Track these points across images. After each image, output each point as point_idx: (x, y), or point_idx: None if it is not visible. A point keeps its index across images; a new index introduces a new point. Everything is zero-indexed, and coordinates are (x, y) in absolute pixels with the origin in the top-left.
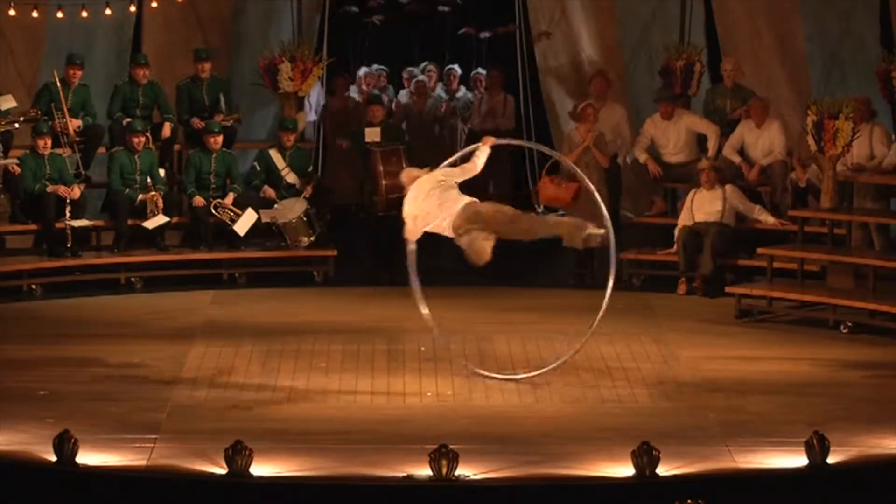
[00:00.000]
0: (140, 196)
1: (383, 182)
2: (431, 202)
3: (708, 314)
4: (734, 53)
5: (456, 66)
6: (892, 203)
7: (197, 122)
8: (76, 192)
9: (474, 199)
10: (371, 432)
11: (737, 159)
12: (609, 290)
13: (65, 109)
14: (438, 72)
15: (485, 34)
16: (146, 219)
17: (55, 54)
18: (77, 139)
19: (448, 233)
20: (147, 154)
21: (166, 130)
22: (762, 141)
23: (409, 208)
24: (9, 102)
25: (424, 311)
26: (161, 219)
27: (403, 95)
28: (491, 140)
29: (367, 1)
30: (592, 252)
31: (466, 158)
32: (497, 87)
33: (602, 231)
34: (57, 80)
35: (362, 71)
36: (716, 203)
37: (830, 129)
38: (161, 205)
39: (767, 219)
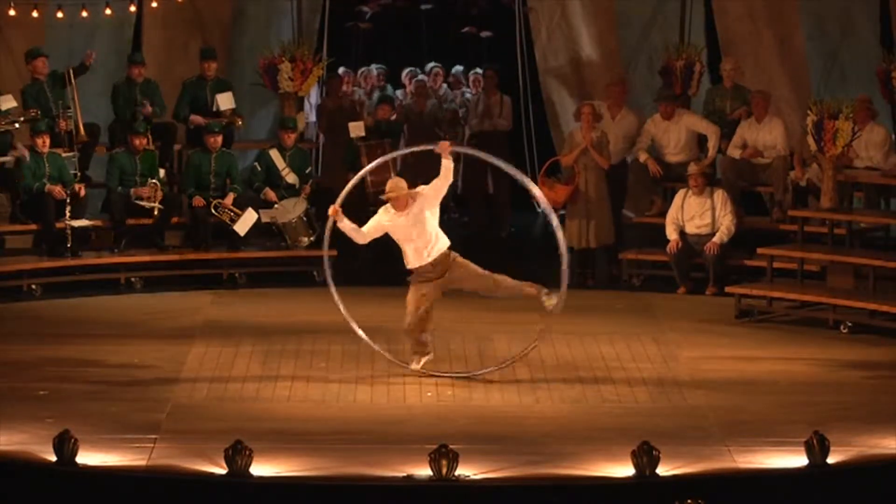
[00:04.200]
0: (134, 190)
1: (368, 177)
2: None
3: (708, 314)
4: (734, 53)
5: (460, 67)
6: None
7: (197, 119)
8: (80, 192)
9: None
10: (371, 432)
11: (738, 154)
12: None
13: (77, 109)
14: (444, 72)
15: (486, 34)
16: (142, 199)
17: (55, 54)
18: (87, 139)
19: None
20: (148, 156)
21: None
22: (762, 137)
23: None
24: (9, 102)
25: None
26: (155, 205)
27: (400, 95)
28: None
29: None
30: (594, 253)
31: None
32: (493, 87)
33: (555, 302)
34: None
35: (343, 69)
36: (705, 214)
37: (830, 129)
38: (160, 195)
39: (720, 237)
